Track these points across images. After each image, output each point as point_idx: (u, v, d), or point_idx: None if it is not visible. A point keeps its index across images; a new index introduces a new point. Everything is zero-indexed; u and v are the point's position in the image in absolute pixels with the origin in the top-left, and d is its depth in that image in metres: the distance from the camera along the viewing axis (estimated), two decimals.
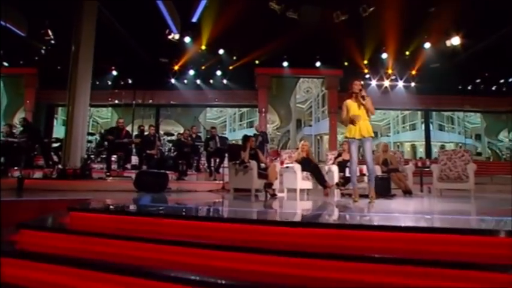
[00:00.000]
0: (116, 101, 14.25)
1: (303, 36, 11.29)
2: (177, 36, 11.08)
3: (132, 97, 13.28)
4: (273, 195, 6.38)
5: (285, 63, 13.27)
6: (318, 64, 13.16)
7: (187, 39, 11.64)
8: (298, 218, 3.45)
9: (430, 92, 13.35)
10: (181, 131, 14.30)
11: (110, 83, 14.34)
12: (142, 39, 11.62)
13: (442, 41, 10.90)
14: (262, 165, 7.03)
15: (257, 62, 13.10)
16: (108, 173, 8.31)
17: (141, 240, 2.71)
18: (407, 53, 12.06)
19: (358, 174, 6.90)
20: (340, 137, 13.71)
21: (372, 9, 9.31)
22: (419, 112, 14.67)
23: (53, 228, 3.12)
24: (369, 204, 4.54)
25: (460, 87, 13.51)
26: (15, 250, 2.93)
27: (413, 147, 14.85)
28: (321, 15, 10.02)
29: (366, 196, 6.10)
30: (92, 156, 10.89)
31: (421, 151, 14.52)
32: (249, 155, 6.95)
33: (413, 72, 13.09)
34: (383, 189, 6.36)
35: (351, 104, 5.01)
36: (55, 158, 9.80)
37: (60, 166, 9.00)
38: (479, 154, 14.24)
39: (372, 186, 4.90)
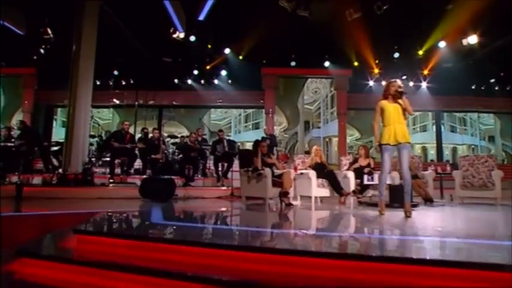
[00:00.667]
0: (117, 102, 13.82)
1: (311, 35, 10.89)
2: (182, 35, 10.65)
3: (134, 98, 12.86)
4: (289, 205, 5.96)
5: (293, 63, 12.83)
6: (326, 64, 12.71)
7: (192, 38, 11.21)
8: (344, 246, 2.81)
9: (441, 93, 12.94)
10: (185, 133, 13.96)
11: (111, 83, 13.90)
12: (144, 37, 11.21)
13: (458, 40, 10.48)
14: (276, 171, 6.60)
15: (264, 61, 12.64)
16: (111, 180, 7.87)
17: (160, 275, 2.30)
18: (420, 52, 11.64)
19: (376, 182, 6.60)
20: (349, 139, 13.33)
21: (386, 6, 8.88)
22: (430, 113, 14.26)
23: (57, 258, 2.69)
24: (405, 220, 4.12)
25: (473, 87, 13.08)
26: (14, 281, 2.53)
27: (424, 150, 14.47)
28: (333, 13, 9.60)
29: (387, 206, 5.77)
30: (93, 159, 10.48)
31: (432, 153, 14.11)
32: (262, 161, 6.53)
33: (426, 72, 12.66)
34: (401, 198, 5.96)
35: (386, 105, 4.53)
36: (55, 162, 9.40)
37: (60, 171, 8.62)
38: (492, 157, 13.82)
39: (407, 199, 4.44)
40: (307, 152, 13.43)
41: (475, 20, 9.53)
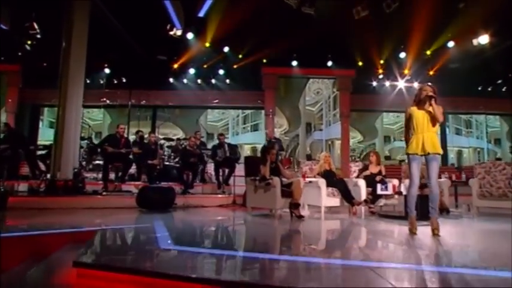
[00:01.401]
0: (109, 102, 13.15)
1: (314, 33, 10.40)
2: (179, 32, 10.04)
3: (127, 97, 12.24)
4: (300, 217, 5.47)
5: (294, 63, 12.31)
6: (329, 64, 12.23)
7: (190, 36, 10.61)
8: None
9: (446, 94, 12.52)
10: (180, 135, 13.39)
11: (102, 81, 13.21)
12: (138, 34, 10.57)
13: (469, 40, 10.09)
14: (284, 180, 6.09)
15: (265, 60, 12.10)
16: (104, 188, 7.27)
17: None
18: (428, 52, 11.24)
19: (390, 192, 6.16)
20: (351, 142, 12.88)
21: (396, 4, 8.43)
22: None
23: None
24: (436, 239, 3.66)
25: (479, 88, 12.75)
26: None
27: None
28: (339, 10, 9.12)
29: (398, 218, 5.33)
30: (83, 163, 9.86)
31: None
32: (270, 170, 6.01)
33: (431, 72, 12.28)
34: (424, 209, 5.53)
35: (415, 112, 4.09)
36: (42, 167, 8.77)
37: (48, 176, 8.00)
38: (499, 159, 13.57)
39: (434, 215, 3.99)
40: (309, 156, 12.95)
41: (488, 20, 9.15)
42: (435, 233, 3.85)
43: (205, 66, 12.52)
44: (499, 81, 12.77)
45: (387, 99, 12.93)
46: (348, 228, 4.93)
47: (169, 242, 3.19)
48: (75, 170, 8.24)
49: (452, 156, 12.98)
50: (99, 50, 10.84)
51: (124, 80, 12.82)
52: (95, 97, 12.70)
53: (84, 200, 6.81)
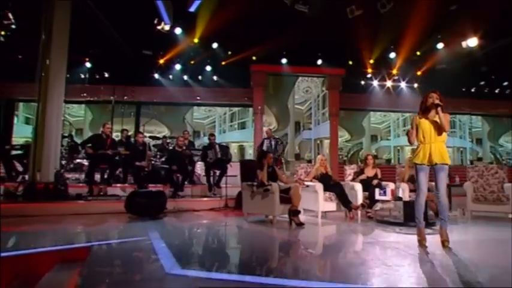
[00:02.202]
0: (90, 98, 12.55)
1: (305, 31, 10.24)
2: (167, 27, 9.60)
3: (110, 93, 11.72)
4: (300, 224, 5.31)
5: (284, 60, 12.11)
6: (319, 62, 12.10)
7: (178, 31, 10.20)
8: None
9: None
10: (166, 133, 12.95)
11: (83, 76, 12.56)
12: (122, 27, 10.07)
13: (457, 42, 10.20)
14: (281, 184, 5.92)
15: (254, 58, 11.83)
16: (90, 193, 6.87)
17: None
18: (418, 53, 11.31)
19: (389, 197, 6.08)
20: (339, 141, 12.86)
21: (391, 5, 8.36)
22: None
23: None
24: (446, 251, 3.59)
25: (463, 89, 12.99)
26: None
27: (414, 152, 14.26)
28: (333, 9, 8.96)
29: (397, 224, 5.28)
30: (64, 162, 9.36)
31: None
32: (267, 174, 5.82)
33: (419, 73, 12.40)
34: (425, 216, 5.48)
35: (421, 121, 4.00)
36: (19, 168, 8.24)
37: (26, 177, 7.52)
38: (480, 159, 13.91)
39: (444, 226, 3.91)
40: (297, 155, 12.85)
41: (477, 23, 9.25)
42: (445, 245, 3.79)
43: (192, 62, 12.12)
44: (482, 83, 13.06)
45: (375, 99, 12.97)
46: (352, 239, 4.79)
47: (173, 262, 2.93)
48: (57, 171, 7.79)
49: None
50: (80, 42, 10.30)
51: (107, 75, 12.24)
52: (76, 92, 12.09)
53: (68, 206, 6.41)
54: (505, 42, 9.89)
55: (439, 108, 3.94)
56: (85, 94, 12.70)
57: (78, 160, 10.47)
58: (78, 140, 11.98)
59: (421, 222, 4.02)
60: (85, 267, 2.78)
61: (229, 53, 11.69)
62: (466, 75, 12.14)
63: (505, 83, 13.05)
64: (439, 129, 3.92)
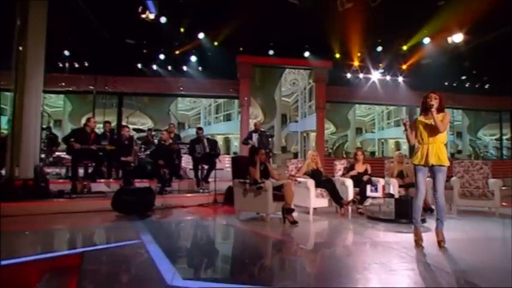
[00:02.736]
0: (69, 88, 12.00)
1: (293, 23, 10.09)
2: (152, 16, 9.22)
3: (89, 83, 11.26)
4: (294, 223, 5.27)
5: (271, 52, 11.93)
6: (306, 54, 12.00)
7: (163, 20, 9.81)
8: None
9: (416, 88, 12.94)
10: (149, 124, 12.61)
11: (61, 65, 11.97)
12: (104, 15, 9.62)
13: (443, 38, 10.32)
14: (273, 181, 5.84)
15: (241, 49, 11.59)
16: (73, 190, 6.57)
17: None
18: (405, 47, 11.38)
19: (380, 194, 6.12)
20: (326, 132, 12.90)
21: None
22: (404, 108, 14.28)
23: None
24: (442, 251, 3.63)
25: (446, 83, 13.24)
26: None
27: (397, 144, 14.56)
28: (323, 1, 8.84)
29: (388, 221, 5.33)
30: (43, 155, 8.95)
31: (404, 148, 14.21)
32: (260, 172, 5.72)
33: (404, 66, 12.53)
34: (408, 212, 5.56)
35: (419, 122, 4.01)
36: None
37: (3, 173, 7.14)
38: (460, 152, 14.32)
39: (440, 227, 3.94)
40: (284, 148, 12.82)
41: (463, 19, 9.36)
42: (441, 245, 3.82)
43: (177, 52, 11.75)
44: (464, 77, 13.36)
45: (361, 91, 13.04)
46: (348, 239, 4.79)
47: (173, 272, 2.81)
48: (36, 166, 7.43)
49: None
50: (58, 29, 9.77)
51: (87, 64, 11.71)
52: (54, 82, 11.53)
53: (50, 205, 6.10)
54: (487, 38, 10.09)
55: (433, 109, 3.92)
56: (63, 84, 12.15)
57: (57, 153, 10.08)
58: (57, 132, 11.53)
59: (418, 222, 4.02)
60: (79, 280, 2.61)
61: (216, 43, 11.38)
62: (449, 70, 12.36)
63: (485, 78, 13.38)
64: (434, 130, 3.91)
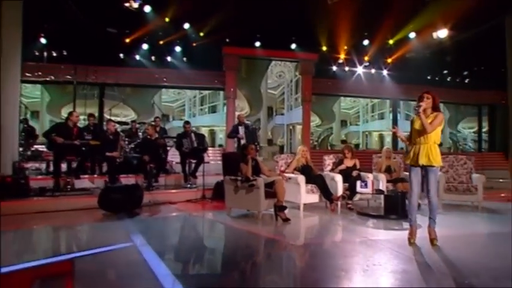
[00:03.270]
0: (47, 77, 11.46)
1: (281, 14, 9.96)
2: (136, 5, 8.87)
3: (68, 72, 10.83)
4: (286, 220, 5.26)
5: (257, 43, 11.74)
6: (293, 46, 11.89)
7: (147, 9, 9.45)
8: None
9: (400, 81, 13.14)
10: (132, 116, 12.26)
11: (37, 53, 11.39)
12: (83, 1, 9.19)
13: (429, 33, 10.44)
14: (264, 177, 5.80)
15: (227, 40, 11.35)
16: (56, 187, 6.32)
17: None
18: (391, 41, 11.46)
19: (369, 190, 6.18)
20: (312, 124, 12.94)
21: None
22: (388, 101, 14.47)
23: None
24: (435, 249, 3.72)
25: (428, 77, 13.48)
26: None
27: (381, 137, 14.78)
28: None
29: (378, 217, 5.42)
30: (20, 149, 8.57)
31: (388, 141, 14.46)
32: (252, 168, 5.66)
33: (389, 60, 12.65)
34: (397, 208, 5.66)
35: (413, 122, 4.03)
36: None
37: None
38: (440, 145, 14.65)
39: (433, 226, 4.01)
40: (270, 141, 12.78)
41: (448, 14, 9.48)
42: (434, 243, 3.89)
43: (161, 42, 11.40)
44: (445, 72, 13.64)
45: (346, 84, 13.10)
46: (340, 237, 4.82)
47: (174, 280, 2.73)
48: (15, 162, 7.13)
49: None
50: (34, 16, 9.29)
51: (65, 53, 11.19)
52: (30, 71, 10.99)
53: (32, 204, 5.84)
54: (468, 35, 10.30)
55: (420, 110, 3.92)
56: (40, 73, 11.60)
57: (35, 146, 9.68)
58: (35, 124, 11.05)
59: (413, 221, 4.06)
60: None
61: (201, 34, 11.10)
62: (432, 64, 12.58)
63: (465, 73, 13.72)
64: (424, 130, 3.93)
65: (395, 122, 13.86)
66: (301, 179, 6.21)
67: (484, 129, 15.43)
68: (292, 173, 6.50)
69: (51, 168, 8.07)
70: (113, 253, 3.52)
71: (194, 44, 11.44)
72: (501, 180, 10.03)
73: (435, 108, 4.04)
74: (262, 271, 3.20)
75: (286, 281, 2.99)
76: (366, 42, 11.80)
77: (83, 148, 6.74)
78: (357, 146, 14.11)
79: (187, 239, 4.62)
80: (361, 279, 2.82)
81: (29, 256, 3.54)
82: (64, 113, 11.82)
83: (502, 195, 8.27)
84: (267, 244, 4.37)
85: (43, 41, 11.09)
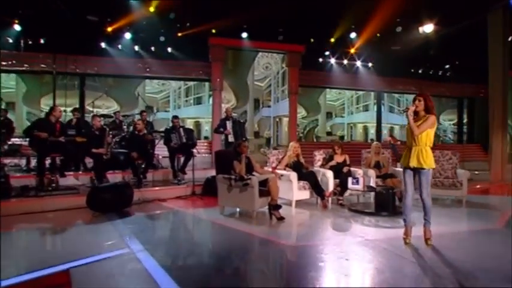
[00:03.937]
0: (23, 67, 10.88)
1: (268, 5, 9.79)
2: None
3: (44, 62, 10.34)
4: (281, 219, 5.26)
5: (244, 34, 11.53)
6: (280, 38, 11.75)
7: None
8: None
9: (384, 74, 13.27)
10: (115, 108, 11.90)
11: (11, 41, 10.78)
12: None
13: (415, 27, 10.54)
14: (256, 174, 5.76)
15: (214, 31, 11.07)
16: (40, 187, 6.06)
17: None
18: (378, 34, 11.50)
19: (361, 187, 6.25)
20: (298, 116, 12.94)
21: None
22: (372, 93, 14.62)
23: None
24: (429, 248, 3.81)
25: (412, 70, 13.69)
26: None
27: (366, 129, 14.98)
28: None
29: (369, 214, 5.50)
30: None
31: (372, 133, 14.68)
32: (245, 166, 5.60)
33: (374, 53, 12.73)
34: (388, 205, 5.77)
35: (408, 125, 4.06)
36: None
37: None
38: None
39: (427, 226, 4.09)
40: (257, 133, 12.71)
41: (434, 9, 9.58)
42: (428, 243, 3.96)
43: (145, 32, 10.99)
44: (428, 65, 13.89)
45: (332, 76, 13.13)
46: (334, 236, 4.85)
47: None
48: None
49: (385, 133, 14.01)
50: (7, 1, 8.79)
51: (42, 42, 10.63)
52: (4, 60, 10.41)
53: (14, 205, 5.57)
54: (451, 29, 10.48)
55: (408, 113, 3.94)
56: (14, 61, 11.00)
57: (12, 139, 9.27)
58: (11, 116, 10.52)
59: (408, 221, 4.13)
60: None
61: (187, 24, 10.77)
62: (416, 57, 12.76)
63: (447, 66, 14.02)
64: (412, 133, 3.97)
65: (379, 113, 14.06)
66: (294, 176, 6.21)
67: (464, 120, 15.90)
68: (284, 169, 6.49)
69: (32, 164, 7.77)
70: (110, 261, 3.40)
71: (179, 34, 11.10)
72: (476, 172, 10.33)
73: (428, 111, 4.07)
74: (262, 271, 3.18)
75: (286, 281, 2.99)
76: (353, 35, 11.79)
77: (67, 145, 6.46)
78: (341, 137, 14.26)
79: (187, 241, 4.51)
80: (358, 279, 2.86)
81: (19, 264, 3.38)
82: (44, 104, 11.31)
83: (477, 186, 8.60)
84: (264, 245, 4.36)
85: (17, 28, 10.49)
